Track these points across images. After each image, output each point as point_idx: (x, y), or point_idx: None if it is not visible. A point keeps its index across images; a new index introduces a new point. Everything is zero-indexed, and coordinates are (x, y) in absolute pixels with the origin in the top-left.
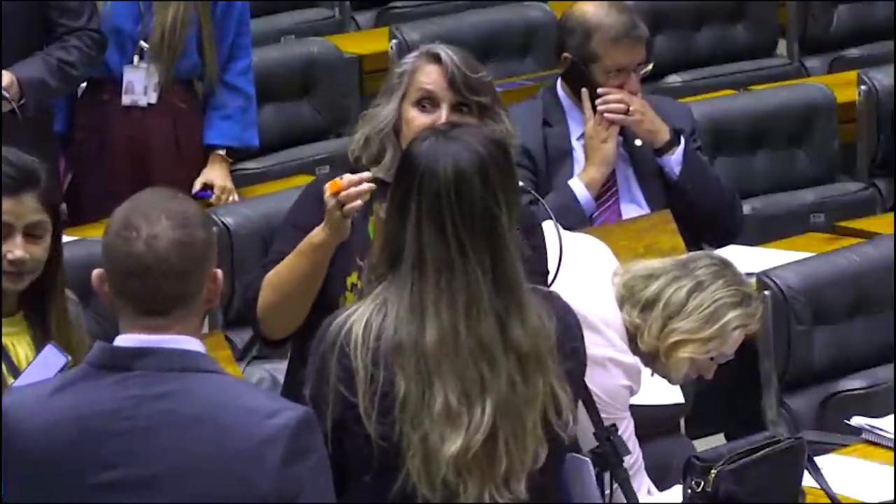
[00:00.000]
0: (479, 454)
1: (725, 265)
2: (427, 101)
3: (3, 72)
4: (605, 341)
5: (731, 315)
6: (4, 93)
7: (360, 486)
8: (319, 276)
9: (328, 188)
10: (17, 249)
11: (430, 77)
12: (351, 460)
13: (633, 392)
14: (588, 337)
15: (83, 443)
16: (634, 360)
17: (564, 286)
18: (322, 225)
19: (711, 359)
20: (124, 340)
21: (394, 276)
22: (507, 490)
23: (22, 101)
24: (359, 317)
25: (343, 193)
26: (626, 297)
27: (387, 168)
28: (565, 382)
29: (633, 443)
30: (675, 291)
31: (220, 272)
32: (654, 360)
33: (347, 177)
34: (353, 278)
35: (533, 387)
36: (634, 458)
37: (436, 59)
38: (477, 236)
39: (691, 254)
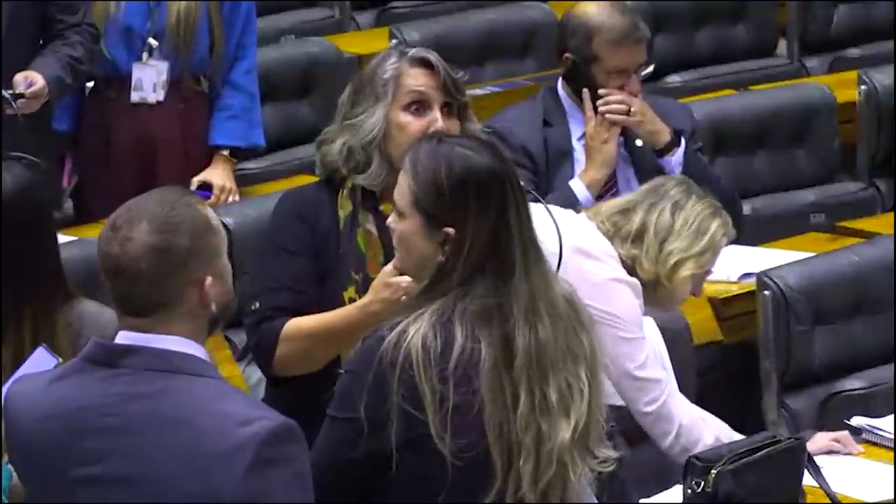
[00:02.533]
0: (583, 428)
1: (689, 183)
2: (418, 104)
3: (35, 74)
4: (608, 265)
5: (714, 225)
6: (27, 91)
7: None
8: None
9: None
10: None
11: (418, 80)
12: (420, 479)
13: (641, 310)
14: (592, 265)
15: (68, 436)
16: (635, 280)
17: (560, 221)
18: (368, 310)
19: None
20: (119, 338)
21: (472, 290)
22: (599, 455)
23: (47, 99)
24: (415, 339)
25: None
26: (614, 233)
27: (372, 177)
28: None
29: (659, 361)
30: (658, 216)
31: (208, 279)
32: (656, 287)
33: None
34: (350, 292)
35: (592, 339)
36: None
37: (422, 62)
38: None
39: (655, 179)
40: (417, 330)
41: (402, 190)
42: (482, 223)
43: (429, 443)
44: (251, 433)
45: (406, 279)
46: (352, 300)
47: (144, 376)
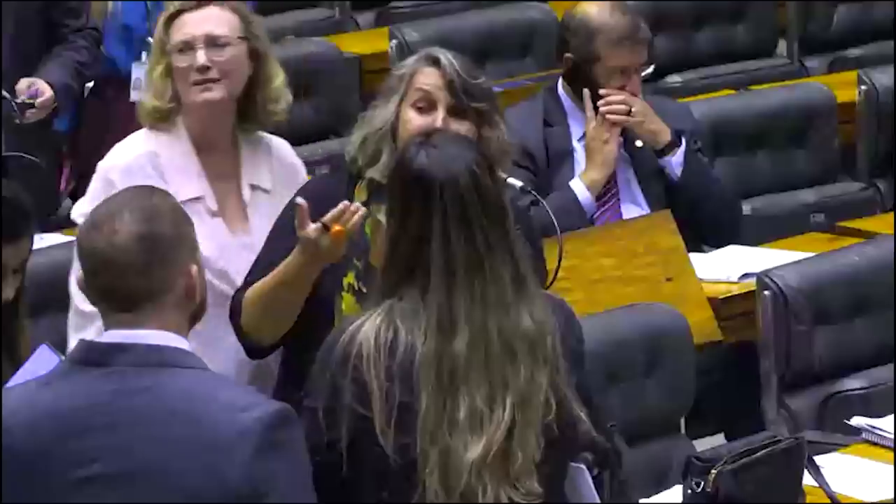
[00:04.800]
0: (497, 453)
1: None
2: (424, 103)
3: (40, 82)
4: None
5: None
6: (36, 101)
7: (378, 502)
8: (304, 296)
9: (334, 237)
10: (9, 289)
11: (428, 79)
12: (367, 475)
13: None
14: None
15: (62, 438)
16: None
17: None
18: (304, 254)
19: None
20: (105, 337)
21: (406, 290)
22: (521, 487)
23: (55, 107)
24: (367, 332)
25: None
26: None
27: (382, 170)
28: (569, 378)
29: None
30: None
31: (194, 267)
32: None
33: (336, 213)
34: (349, 279)
35: (539, 378)
36: None
37: (435, 62)
38: (498, 232)
39: None
40: (370, 326)
41: None
42: (401, 223)
43: (374, 439)
44: (254, 418)
45: (314, 226)
46: (350, 286)
47: (135, 372)
